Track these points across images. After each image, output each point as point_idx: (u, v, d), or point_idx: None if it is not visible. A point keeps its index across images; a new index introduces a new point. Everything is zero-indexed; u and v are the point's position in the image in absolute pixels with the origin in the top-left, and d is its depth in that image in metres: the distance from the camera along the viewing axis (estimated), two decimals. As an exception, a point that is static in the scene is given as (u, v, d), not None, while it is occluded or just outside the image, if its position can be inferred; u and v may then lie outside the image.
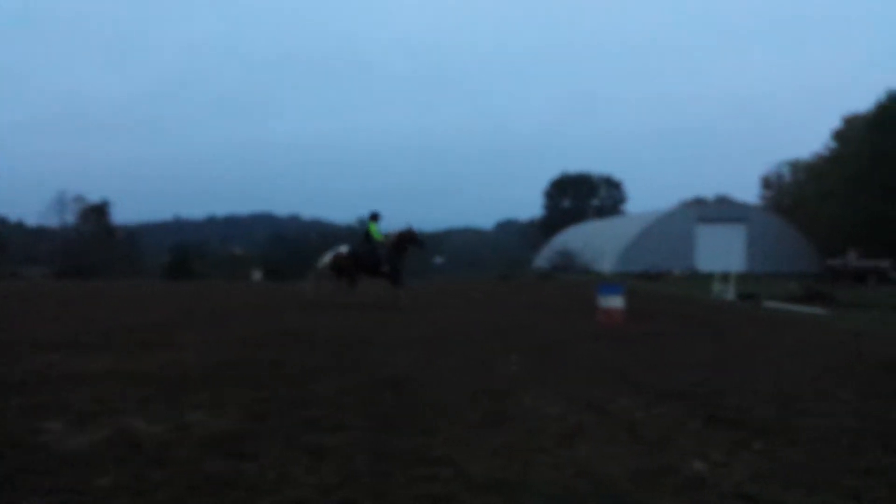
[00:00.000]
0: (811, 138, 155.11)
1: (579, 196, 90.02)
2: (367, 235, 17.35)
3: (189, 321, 12.28)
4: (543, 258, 60.90)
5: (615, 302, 13.03)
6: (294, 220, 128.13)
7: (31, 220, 75.08)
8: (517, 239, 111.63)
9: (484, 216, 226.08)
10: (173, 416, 5.37)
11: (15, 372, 6.98)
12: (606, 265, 45.80)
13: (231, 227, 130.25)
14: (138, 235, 78.87)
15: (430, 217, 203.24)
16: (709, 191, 79.41)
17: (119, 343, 9.22)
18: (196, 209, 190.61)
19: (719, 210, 49.05)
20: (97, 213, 66.99)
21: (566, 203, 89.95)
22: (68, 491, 3.78)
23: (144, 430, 4.98)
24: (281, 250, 79.75)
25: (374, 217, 17.65)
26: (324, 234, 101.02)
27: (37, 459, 4.27)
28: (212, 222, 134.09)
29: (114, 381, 6.67)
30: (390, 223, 17.38)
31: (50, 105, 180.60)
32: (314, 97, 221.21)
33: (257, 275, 38.93)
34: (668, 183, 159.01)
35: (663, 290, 27.63)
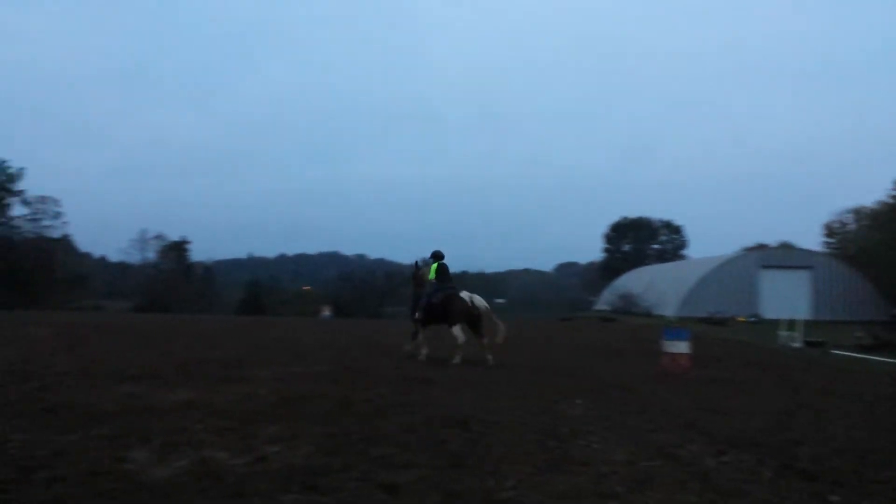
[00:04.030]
0: (874, 186, 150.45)
1: (639, 240, 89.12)
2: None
3: (261, 356, 12.56)
4: (605, 301, 60.28)
5: (680, 346, 12.84)
6: (361, 259, 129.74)
7: (114, 256, 78.28)
8: (577, 281, 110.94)
9: (544, 258, 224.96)
10: (251, 449, 5.54)
11: (99, 403, 7.26)
12: (669, 309, 45.07)
13: (301, 265, 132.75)
14: (214, 272, 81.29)
15: (491, 258, 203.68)
16: (770, 237, 77.80)
17: (196, 376, 9.50)
18: (268, 248, 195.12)
19: (783, 256, 47.90)
20: (176, 250, 69.55)
21: (626, 247, 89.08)
22: (152, 519, 3.94)
23: (225, 462, 5.15)
24: (348, 288, 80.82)
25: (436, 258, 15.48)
26: (389, 273, 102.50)
27: (121, 488, 4.43)
28: (283, 260, 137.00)
29: (193, 413, 6.90)
30: (453, 265, 16.54)
31: (134, 148, 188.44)
32: (382, 143, 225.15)
33: (326, 311, 39.53)
34: (729, 228, 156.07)
35: (728, 336, 27.07)
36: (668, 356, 12.80)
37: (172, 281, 67.78)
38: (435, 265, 15.08)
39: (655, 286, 50.49)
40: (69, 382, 8.53)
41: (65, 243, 57.88)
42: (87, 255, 76.26)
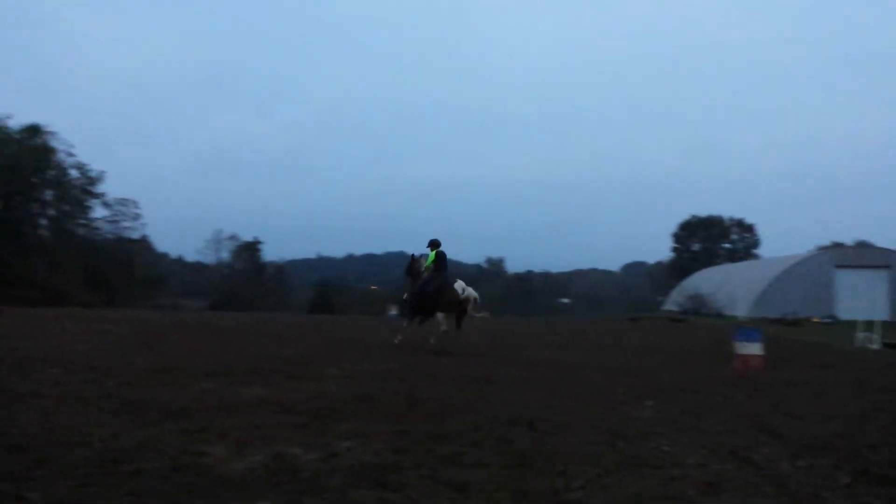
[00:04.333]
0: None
1: (709, 239, 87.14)
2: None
3: (330, 354, 12.78)
4: (673, 301, 59.24)
5: (753, 348, 12.55)
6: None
7: (191, 256, 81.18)
8: (645, 281, 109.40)
9: (610, 258, 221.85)
10: (323, 445, 5.66)
11: (177, 398, 7.52)
12: (740, 310, 44.03)
13: (368, 265, 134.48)
14: (285, 272, 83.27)
15: (556, 258, 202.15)
16: (846, 235, 74.72)
17: (269, 373, 9.74)
18: (336, 248, 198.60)
19: (860, 255, 46.18)
20: (249, 250, 71.60)
21: (696, 246, 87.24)
22: (230, 512, 4.07)
23: (299, 457, 5.28)
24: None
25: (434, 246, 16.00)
26: (453, 273, 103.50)
27: (200, 482, 4.57)
28: (350, 260, 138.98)
29: (266, 410, 7.09)
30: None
31: (208, 150, 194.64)
32: (445, 144, 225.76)
33: (393, 311, 39.99)
34: (803, 227, 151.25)
35: (802, 337, 26.30)
36: (740, 358, 12.53)
37: (245, 280, 69.74)
38: (433, 253, 15.69)
39: (726, 286, 49.37)
40: (148, 379, 8.84)
41: (144, 244, 60.00)
42: (164, 256, 79.01)
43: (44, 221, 49.64)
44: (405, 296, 15.90)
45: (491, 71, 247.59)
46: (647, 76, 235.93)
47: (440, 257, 15.60)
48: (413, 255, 16.57)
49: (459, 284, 14.90)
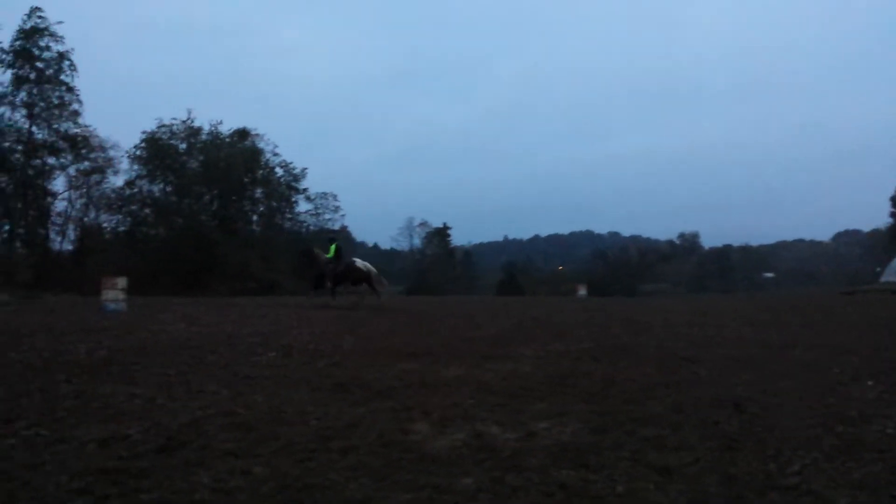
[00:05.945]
0: None
1: (934, 200, 78.08)
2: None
3: (523, 334, 12.91)
4: (893, 271, 53.95)
5: None
6: (614, 237, 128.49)
7: (385, 244, 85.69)
8: (860, 251, 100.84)
9: (820, 227, 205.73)
10: (520, 424, 5.74)
11: (381, 378, 7.93)
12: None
13: (553, 245, 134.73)
14: (473, 255, 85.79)
15: (760, 229, 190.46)
16: None
17: (464, 354, 10.00)
18: (522, 230, 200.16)
19: None
20: (439, 236, 74.28)
21: (918, 210, 78.56)
22: (435, 488, 4.19)
23: (498, 436, 5.38)
24: (602, 266, 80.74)
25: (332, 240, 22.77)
26: (643, 250, 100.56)
27: (406, 458, 4.79)
28: (536, 241, 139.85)
29: (464, 389, 7.29)
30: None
31: (399, 140, 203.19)
32: (638, 119, 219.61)
33: (582, 290, 39.48)
34: None
35: None
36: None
37: (436, 265, 72.28)
38: (333, 246, 21.67)
39: (958, 253, 44.24)
40: (355, 360, 9.38)
41: (344, 234, 63.64)
42: (362, 244, 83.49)
43: (255, 217, 54.07)
44: (328, 284, 21.51)
45: (684, 40, 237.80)
46: (861, 36, 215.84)
47: (339, 248, 21.78)
48: (313, 248, 23.18)
49: (360, 262, 21.20)
